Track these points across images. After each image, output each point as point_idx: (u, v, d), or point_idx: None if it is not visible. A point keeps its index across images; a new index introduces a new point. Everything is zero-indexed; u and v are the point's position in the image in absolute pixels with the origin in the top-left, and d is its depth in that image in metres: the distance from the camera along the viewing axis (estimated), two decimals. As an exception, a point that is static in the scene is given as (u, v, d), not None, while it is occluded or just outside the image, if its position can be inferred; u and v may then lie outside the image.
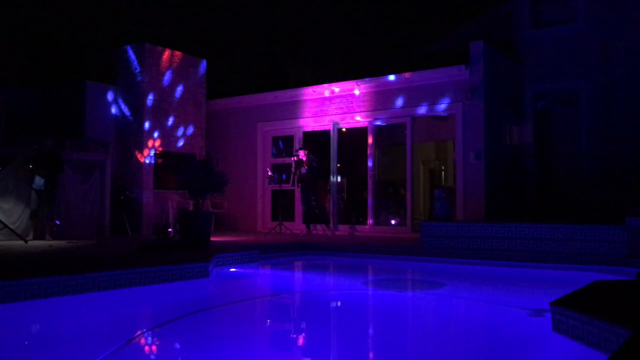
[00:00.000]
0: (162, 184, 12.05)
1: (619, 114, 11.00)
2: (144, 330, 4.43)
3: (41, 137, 10.43)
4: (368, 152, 11.76)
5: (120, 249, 8.22)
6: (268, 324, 5.08)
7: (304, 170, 11.45)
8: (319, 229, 11.90)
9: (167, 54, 12.34)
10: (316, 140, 12.19)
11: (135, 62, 11.96)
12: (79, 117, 11.81)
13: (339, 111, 12.09)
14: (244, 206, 13.07)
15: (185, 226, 8.23)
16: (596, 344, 3.28)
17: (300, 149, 11.68)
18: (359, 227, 11.78)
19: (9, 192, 9.98)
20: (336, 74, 12.31)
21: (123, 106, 12.13)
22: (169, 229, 10.20)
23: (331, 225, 11.79)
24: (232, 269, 7.39)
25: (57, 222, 10.24)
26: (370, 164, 11.73)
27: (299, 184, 11.72)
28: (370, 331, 4.70)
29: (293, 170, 11.74)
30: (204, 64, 13.11)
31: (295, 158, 11.62)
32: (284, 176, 12.66)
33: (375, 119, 11.71)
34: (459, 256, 7.87)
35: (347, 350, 4.01)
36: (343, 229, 11.87)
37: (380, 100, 11.59)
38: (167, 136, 12.29)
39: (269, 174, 12.41)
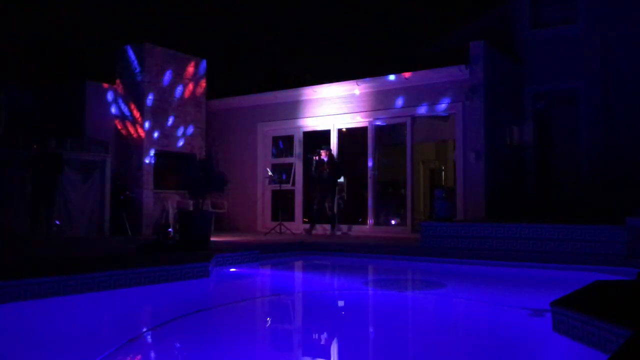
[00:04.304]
0: (162, 184, 12.04)
1: (618, 114, 11.00)
2: (144, 330, 4.43)
3: (41, 137, 10.43)
4: (368, 152, 11.75)
5: (120, 249, 8.22)
6: (268, 324, 5.08)
7: (325, 171, 11.27)
8: (319, 228, 11.87)
9: (167, 53, 12.33)
10: (316, 140, 12.18)
11: (135, 62, 11.96)
12: (79, 117, 11.80)
13: (339, 111, 12.08)
14: (244, 206, 13.07)
15: (185, 226, 8.23)
16: (596, 344, 3.28)
17: (322, 149, 11.48)
18: (359, 227, 11.77)
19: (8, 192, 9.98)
20: (336, 74, 12.30)
21: (123, 106, 12.13)
22: (169, 229, 10.20)
23: (335, 225, 11.72)
24: (232, 269, 7.39)
25: (57, 222, 10.24)
26: (370, 164, 11.72)
27: (318, 185, 11.51)
28: (371, 331, 4.70)
29: (313, 170, 11.56)
30: (204, 64, 13.11)
31: (317, 158, 11.43)
32: (284, 176, 12.65)
33: (375, 119, 11.71)
34: (459, 256, 7.87)
35: (347, 350, 4.01)
36: (343, 229, 11.86)
37: (380, 100, 11.59)
38: (167, 136, 12.29)
39: (269, 174, 12.40)
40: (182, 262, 6.23)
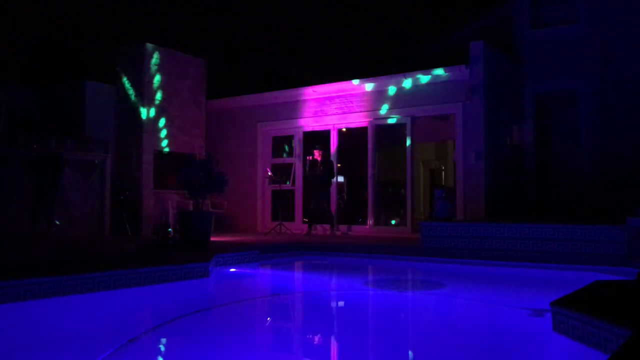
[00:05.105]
0: (162, 184, 12.04)
1: (618, 114, 11.00)
2: (144, 330, 4.42)
3: (41, 137, 10.43)
4: (368, 152, 11.75)
5: (120, 249, 8.22)
6: (268, 324, 5.08)
7: (319, 170, 11.32)
8: (319, 228, 11.88)
9: (167, 53, 12.33)
10: (316, 140, 12.19)
11: (136, 62, 11.95)
12: (79, 117, 11.80)
13: (339, 111, 12.09)
14: (244, 206, 13.07)
15: (185, 226, 8.23)
16: (596, 344, 3.28)
17: (315, 148, 11.56)
18: (358, 227, 11.78)
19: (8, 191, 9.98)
20: (336, 74, 12.30)
21: (123, 106, 12.12)
22: (169, 229, 10.20)
23: (334, 225, 11.73)
24: (232, 269, 7.39)
25: (57, 222, 10.23)
26: (370, 164, 11.72)
27: (313, 184, 11.56)
28: (371, 331, 4.70)
29: (307, 170, 11.64)
30: (204, 64, 13.10)
31: (310, 158, 11.52)
32: (286, 178, 12.61)
33: (375, 119, 11.71)
34: (459, 256, 7.87)
35: (347, 350, 4.01)
36: (343, 229, 11.86)
37: (380, 100, 11.59)
38: (167, 136, 12.28)
39: (269, 174, 12.40)
40: (182, 262, 6.24)
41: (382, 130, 12.05)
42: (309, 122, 12.52)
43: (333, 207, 11.96)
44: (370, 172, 11.71)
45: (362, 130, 11.96)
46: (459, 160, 10.65)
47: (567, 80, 11.45)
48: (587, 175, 11.09)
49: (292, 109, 12.69)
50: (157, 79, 12.08)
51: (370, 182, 11.71)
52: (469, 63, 10.40)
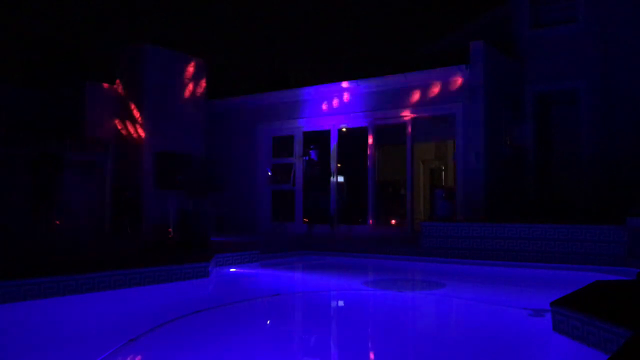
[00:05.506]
0: (162, 184, 12.03)
1: (619, 114, 11.00)
2: (145, 330, 4.42)
3: (41, 137, 10.43)
4: (368, 152, 11.75)
5: (120, 249, 8.22)
6: (268, 324, 5.08)
7: (317, 170, 11.37)
8: (319, 228, 11.87)
9: (167, 54, 12.32)
10: (316, 140, 12.19)
11: (136, 62, 11.95)
12: (79, 117, 11.80)
13: (339, 111, 12.09)
14: (244, 206, 13.06)
15: (185, 226, 8.23)
16: (596, 344, 3.29)
17: (312, 149, 11.60)
18: (359, 227, 11.78)
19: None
20: (336, 74, 12.31)
21: (123, 106, 12.11)
22: (169, 229, 10.21)
23: (334, 225, 11.75)
24: (232, 269, 7.39)
25: (57, 222, 10.24)
26: (370, 164, 11.72)
27: (312, 185, 11.62)
28: (371, 331, 4.70)
29: (303, 170, 11.68)
30: (204, 64, 13.10)
31: (307, 158, 11.58)
32: (285, 176, 12.63)
33: (375, 119, 11.71)
34: (459, 256, 7.87)
35: (347, 350, 4.01)
36: (343, 229, 11.86)
37: (380, 100, 11.59)
38: (167, 136, 12.27)
39: (269, 174, 12.40)
40: (182, 262, 6.24)
41: (382, 130, 12.05)
42: (309, 122, 12.51)
43: (333, 207, 11.97)
44: (370, 172, 11.71)
45: (362, 130, 11.96)
46: (459, 160, 10.65)
47: (567, 80, 11.44)
48: (587, 175, 11.08)
49: (292, 109, 12.69)
50: (157, 79, 12.07)
51: (370, 182, 11.71)
52: (469, 63, 10.39)
